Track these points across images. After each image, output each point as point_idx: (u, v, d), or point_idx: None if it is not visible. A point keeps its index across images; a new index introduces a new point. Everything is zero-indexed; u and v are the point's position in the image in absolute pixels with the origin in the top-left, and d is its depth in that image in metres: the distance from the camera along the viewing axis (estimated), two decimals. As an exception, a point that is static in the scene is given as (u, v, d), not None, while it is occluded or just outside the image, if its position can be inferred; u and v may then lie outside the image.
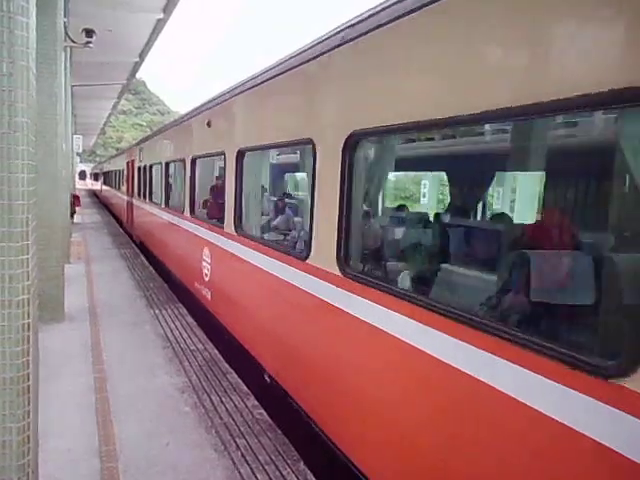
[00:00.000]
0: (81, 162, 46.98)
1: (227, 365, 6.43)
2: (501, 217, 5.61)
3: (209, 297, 7.72)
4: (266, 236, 6.65)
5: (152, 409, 5.14)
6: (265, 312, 5.47)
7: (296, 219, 7.14)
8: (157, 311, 8.80)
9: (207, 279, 7.80)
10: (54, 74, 7.56)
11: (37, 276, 2.72)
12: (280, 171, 11.77)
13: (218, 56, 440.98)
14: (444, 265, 3.87)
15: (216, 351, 6.93)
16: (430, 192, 12.06)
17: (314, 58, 4.34)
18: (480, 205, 7.95)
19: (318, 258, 4.15)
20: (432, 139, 7.55)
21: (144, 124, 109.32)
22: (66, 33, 10.18)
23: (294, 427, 4.87)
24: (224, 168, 6.92)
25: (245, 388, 5.76)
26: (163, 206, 11.93)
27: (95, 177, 50.48)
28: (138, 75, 21.86)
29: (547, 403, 2.15)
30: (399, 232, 4.88)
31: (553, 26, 2.23)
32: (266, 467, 4.20)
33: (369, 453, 3.53)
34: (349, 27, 3.84)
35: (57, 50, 7.73)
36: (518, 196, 7.97)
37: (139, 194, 16.10)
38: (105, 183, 37.60)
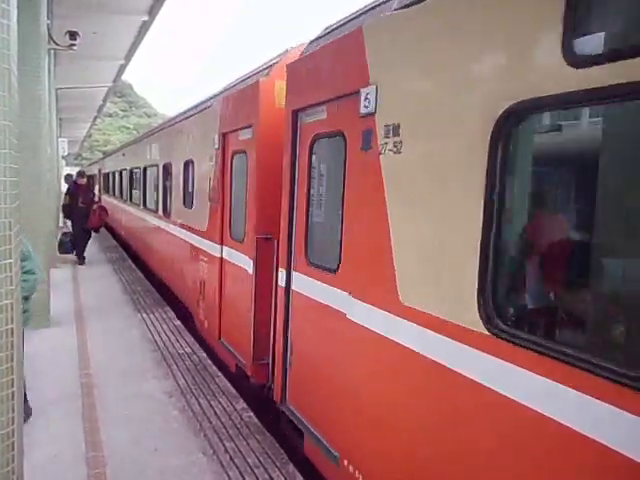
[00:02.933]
0: (67, 165, 44.53)
1: (215, 368, 6.40)
2: None
3: None
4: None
5: (140, 414, 5.10)
6: None
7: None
8: (145, 315, 8.73)
9: None
10: (37, 77, 7.49)
11: (21, 281, 2.69)
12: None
13: (218, 56, 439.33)
14: None
15: (204, 354, 6.89)
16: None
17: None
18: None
19: None
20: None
21: (131, 127, 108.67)
22: (49, 35, 10.08)
23: (283, 429, 4.86)
24: None
25: (234, 391, 5.74)
26: None
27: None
28: (124, 78, 21.34)
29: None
30: None
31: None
32: (255, 470, 4.19)
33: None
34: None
35: (40, 53, 7.67)
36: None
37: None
38: (107, 191, 22.74)
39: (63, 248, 13.73)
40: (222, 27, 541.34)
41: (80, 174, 14.25)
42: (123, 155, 17.30)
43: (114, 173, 19.83)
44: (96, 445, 4.47)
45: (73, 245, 13.76)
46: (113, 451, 4.38)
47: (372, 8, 3.74)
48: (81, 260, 13.60)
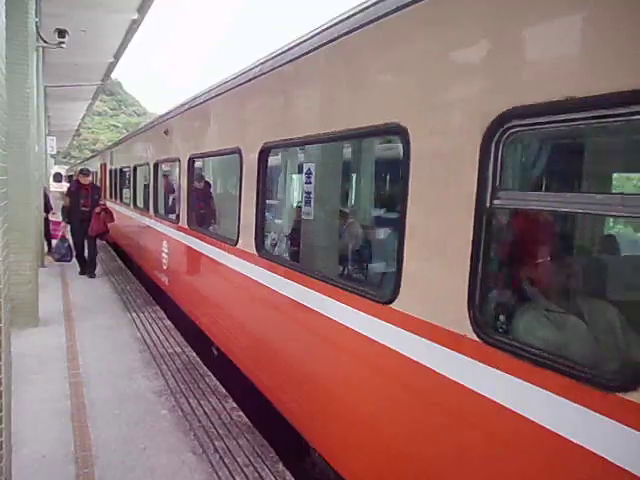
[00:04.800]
0: (56, 164, 43.77)
1: (205, 368, 6.39)
2: None
3: None
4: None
5: (129, 413, 5.08)
6: None
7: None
8: (134, 314, 8.70)
9: None
10: (25, 74, 7.44)
11: (9, 280, 2.68)
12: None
13: (216, 57, 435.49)
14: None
15: (194, 354, 6.88)
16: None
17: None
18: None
19: None
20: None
21: (120, 125, 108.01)
22: (38, 33, 10.01)
23: (273, 428, 4.87)
24: None
25: (223, 390, 5.74)
26: None
27: None
28: (114, 76, 20.79)
29: None
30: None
31: None
32: (245, 469, 4.19)
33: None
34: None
35: (28, 50, 7.61)
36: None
37: None
38: (118, 198, 15.52)
39: (58, 253, 12.36)
40: (222, 27, 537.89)
41: (84, 172, 11.96)
42: (149, 141, 10.56)
43: (135, 169, 12.47)
44: (85, 445, 4.45)
45: (71, 252, 12.26)
46: (102, 451, 4.36)
47: None
48: (89, 270, 11.70)
